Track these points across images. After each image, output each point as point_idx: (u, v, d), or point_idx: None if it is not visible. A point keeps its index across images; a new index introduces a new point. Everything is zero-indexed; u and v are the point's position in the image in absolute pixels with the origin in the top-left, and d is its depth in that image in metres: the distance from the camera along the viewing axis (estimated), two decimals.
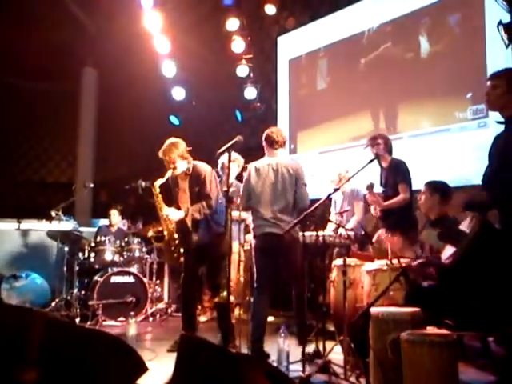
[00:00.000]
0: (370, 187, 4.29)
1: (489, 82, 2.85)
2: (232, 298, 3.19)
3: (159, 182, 4.06)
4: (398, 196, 4.25)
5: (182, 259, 4.20)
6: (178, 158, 4.01)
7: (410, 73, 5.97)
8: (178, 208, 4.16)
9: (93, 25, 8.15)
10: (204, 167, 4.12)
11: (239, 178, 5.55)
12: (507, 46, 4.04)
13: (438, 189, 3.75)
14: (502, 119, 2.86)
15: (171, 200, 4.25)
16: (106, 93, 9.03)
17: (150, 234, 4.17)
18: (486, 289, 2.97)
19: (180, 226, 4.09)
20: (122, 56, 8.17)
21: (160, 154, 4.05)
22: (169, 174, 4.04)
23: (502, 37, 3.88)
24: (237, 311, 5.81)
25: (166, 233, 4.08)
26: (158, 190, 4.06)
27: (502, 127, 2.87)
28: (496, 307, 2.83)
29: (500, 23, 3.88)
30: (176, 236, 4.09)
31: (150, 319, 5.59)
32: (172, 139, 4.14)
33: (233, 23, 7.51)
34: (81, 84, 9.38)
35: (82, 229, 6.70)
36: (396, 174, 4.34)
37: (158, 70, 7.80)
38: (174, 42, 7.60)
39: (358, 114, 6.48)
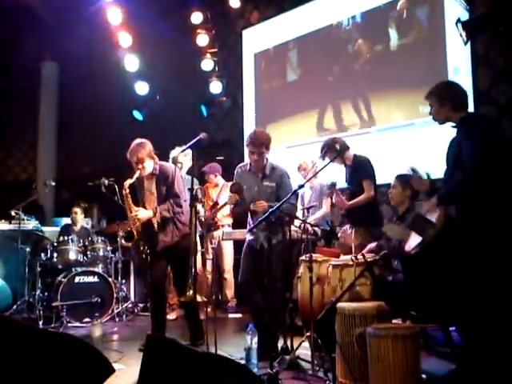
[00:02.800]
0: (333, 187, 4.31)
1: (427, 102, 3.01)
2: (198, 298, 3.14)
3: (128, 182, 4.04)
4: (363, 194, 4.28)
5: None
6: (146, 157, 4.00)
7: (379, 66, 6.03)
8: (144, 209, 4.13)
9: (50, 17, 7.90)
10: (171, 167, 4.13)
11: (191, 171, 5.51)
12: (466, 43, 4.13)
13: (409, 183, 3.81)
14: None
15: (137, 201, 4.21)
16: (66, 88, 8.81)
17: (121, 233, 4.11)
18: (446, 281, 3.05)
19: (145, 226, 4.05)
20: (83, 50, 7.97)
21: (128, 156, 4.03)
22: (137, 174, 4.02)
23: (460, 34, 3.96)
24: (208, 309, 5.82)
25: (134, 232, 4.05)
26: (127, 190, 4.04)
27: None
28: (455, 299, 2.91)
29: (458, 21, 3.96)
30: (143, 237, 4.07)
31: (117, 319, 5.49)
32: (138, 140, 4.11)
33: (197, 17, 7.44)
34: (40, 79, 9.10)
35: (44, 228, 6.53)
36: (360, 170, 4.35)
37: (121, 64, 7.65)
38: (137, 36, 7.46)
39: (327, 107, 6.53)
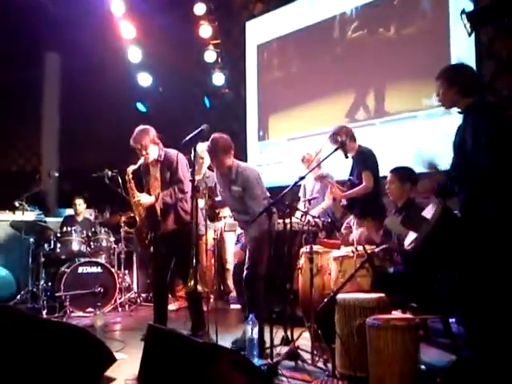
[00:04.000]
0: (323, 177, 4.32)
1: (437, 83, 2.94)
2: (200, 288, 3.16)
3: (132, 167, 4.07)
4: (361, 185, 4.26)
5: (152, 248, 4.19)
6: (150, 144, 4.01)
7: (382, 57, 6.00)
8: (149, 195, 4.14)
9: (53, 7, 7.89)
10: (175, 153, 4.11)
11: (211, 167, 5.51)
12: (470, 35, 4.10)
13: (408, 177, 3.80)
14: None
15: (142, 188, 4.24)
16: (70, 79, 8.77)
17: (123, 219, 4.14)
18: (446, 273, 3.05)
19: (149, 213, 4.08)
20: (87, 41, 7.94)
21: (131, 142, 4.03)
22: (141, 161, 4.05)
23: (464, 25, 3.94)
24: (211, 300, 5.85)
25: (137, 219, 4.08)
26: (130, 176, 4.07)
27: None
28: (455, 291, 2.92)
29: (463, 12, 3.93)
30: (146, 223, 4.09)
31: (120, 309, 5.53)
32: (141, 126, 4.11)
33: (200, 8, 7.41)
34: (44, 70, 9.09)
35: (47, 219, 6.57)
36: (361, 162, 4.33)
37: (124, 56, 7.64)
38: (140, 27, 7.45)
39: (329, 100, 6.51)
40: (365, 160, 4.31)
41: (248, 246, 3.76)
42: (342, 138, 4.15)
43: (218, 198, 4.06)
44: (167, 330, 2.98)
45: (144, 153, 3.99)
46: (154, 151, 4.05)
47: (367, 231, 3.99)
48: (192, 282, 3.05)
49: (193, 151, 3.28)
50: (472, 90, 2.87)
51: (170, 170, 4.05)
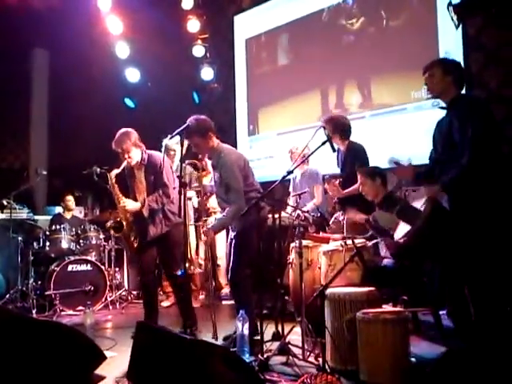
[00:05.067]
0: (329, 180, 4.29)
1: (426, 74, 2.96)
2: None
3: (115, 171, 4.03)
4: (358, 183, 4.25)
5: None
6: (132, 147, 3.97)
7: (370, 50, 5.98)
8: (135, 198, 4.12)
9: (40, 3, 7.79)
10: (159, 155, 4.08)
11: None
12: (457, 27, 4.10)
13: (376, 174, 3.83)
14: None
15: (128, 190, 4.20)
16: (58, 75, 8.69)
17: (109, 224, 4.12)
18: (436, 266, 3.06)
19: (136, 218, 4.05)
20: (74, 37, 7.86)
21: (113, 146, 3.99)
22: (124, 164, 4.01)
23: (451, 17, 3.93)
24: (201, 296, 5.84)
25: (124, 223, 4.04)
26: (113, 180, 4.04)
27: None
28: (446, 283, 2.92)
29: (450, 4, 3.92)
30: (134, 227, 4.07)
31: (110, 307, 5.51)
32: (123, 130, 4.07)
33: (188, 2, 7.33)
34: (32, 66, 8.99)
35: (36, 217, 6.51)
36: (355, 158, 4.30)
37: (112, 52, 7.56)
38: (127, 23, 7.37)
39: (318, 93, 6.49)
40: (360, 157, 4.30)
41: (232, 242, 3.69)
42: (326, 133, 4.14)
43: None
44: (156, 328, 2.96)
45: (126, 156, 3.96)
46: (136, 154, 4.01)
47: (349, 215, 4.00)
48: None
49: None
50: (463, 83, 2.94)
51: (154, 174, 4.02)
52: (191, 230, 5.47)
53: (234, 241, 3.64)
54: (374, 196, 3.87)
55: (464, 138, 2.70)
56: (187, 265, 3.14)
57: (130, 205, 4.00)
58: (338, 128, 4.30)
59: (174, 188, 3.92)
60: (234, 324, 3.62)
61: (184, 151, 5.24)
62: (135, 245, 4.09)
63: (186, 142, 5.09)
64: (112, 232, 4.15)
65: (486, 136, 2.69)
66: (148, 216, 3.98)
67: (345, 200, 4.36)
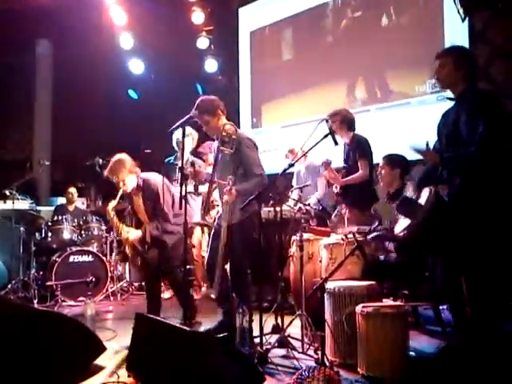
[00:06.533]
0: (327, 164, 4.28)
1: (437, 62, 2.88)
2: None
3: (112, 204, 4.04)
4: (358, 172, 4.25)
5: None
6: (128, 174, 3.94)
7: (375, 44, 5.95)
8: (138, 220, 4.11)
9: None
10: (155, 180, 4.00)
11: (194, 152, 5.47)
12: (463, 20, 4.06)
13: (398, 163, 3.80)
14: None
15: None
16: (62, 66, 8.68)
17: (116, 257, 4.12)
18: (438, 261, 3.04)
19: (139, 244, 4.06)
20: (78, 28, 7.84)
21: (107, 174, 3.96)
22: (120, 193, 3.99)
23: (458, 10, 3.89)
24: (203, 288, 5.84)
25: (128, 250, 4.09)
26: (112, 214, 4.05)
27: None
28: (445, 278, 2.91)
29: None
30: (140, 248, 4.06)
31: (111, 298, 5.51)
32: (116, 157, 4.00)
33: None
34: (35, 56, 8.98)
35: (39, 208, 6.52)
36: (357, 149, 4.33)
37: (116, 43, 7.54)
38: (132, 14, 7.34)
39: (324, 86, 6.46)
40: (362, 148, 4.31)
41: (233, 232, 3.52)
42: (336, 124, 4.13)
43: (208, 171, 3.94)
44: (155, 319, 2.96)
45: (121, 184, 3.93)
46: (131, 181, 3.97)
47: (356, 221, 3.98)
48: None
49: (181, 137, 3.23)
50: (475, 76, 2.85)
51: (151, 199, 3.97)
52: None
53: (232, 232, 3.55)
54: (388, 184, 3.85)
55: (474, 133, 2.65)
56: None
57: (132, 235, 4.01)
58: (346, 121, 4.32)
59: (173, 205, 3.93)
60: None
61: (195, 144, 5.27)
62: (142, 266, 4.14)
63: (192, 133, 5.06)
64: (119, 261, 4.16)
65: (498, 132, 2.63)
66: (151, 241, 3.97)
67: (345, 192, 4.35)
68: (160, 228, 3.92)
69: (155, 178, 4.01)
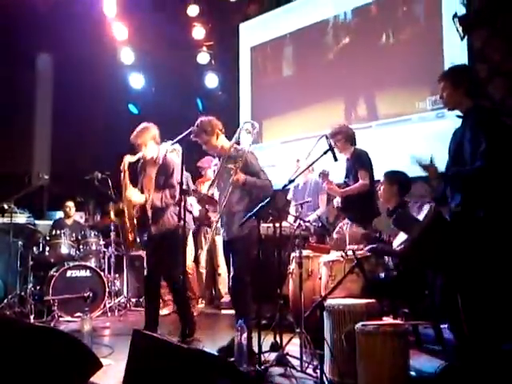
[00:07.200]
0: (325, 175, 4.29)
1: (440, 85, 2.92)
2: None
3: (129, 158, 4.01)
4: (357, 183, 4.27)
5: (134, 247, 4.17)
6: (149, 141, 4.01)
7: (375, 61, 5.99)
8: (142, 193, 4.11)
9: (45, 8, 7.84)
10: (174, 159, 4.12)
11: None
12: (462, 39, 4.09)
13: (396, 180, 3.81)
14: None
15: (135, 184, 4.19)
16: (62, 80, 8.72)
17: (111, 205, 4.06)
18: (437, 279, 3.02)
19: (140, 213, 4.06)
20: (79, 42, 7.90)
21: (131, 138, 4.03)
22: (140, 154, 4.03)
23: (457, 29, 3.92)
24: (201, 305, 5.80)
25: (126, 210, 4.03)
26: (126, 166, 4.03)
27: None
28: (445, 296, 2.88)
29: (455, 15, 3.91)
30: (135, 221, 4.06)
31: (109, 314, 5.46)
32: (144, 124, 4.12)
33: (193, 9, 7.38)
34: (35, 71, 9.03)
35: (37, 222, 6.49)
36: (356, 162, 4.38)
37: (117, 57, 7.58)
38: (132, 29, 7.40)
39: (325, 102, 6.48)
40: (361, 160, 4.36)
41: (232, 248, 3.62)
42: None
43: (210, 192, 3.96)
44: (152, 336, 2.92)
45: (143, 148, 3.99)
46: (152, 150, 4.04)
47: (357, 238, 3.97)
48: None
49: (180, 152, 3.23)
50: (476, 91, 2.88)
51: (165, 175, 4.03)
52: (189, 238, 5.45)
53: (232, 248, 3.58)
54: (386, 201, 3.87)
55: (477, 150, 2.66)
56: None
57: (135, 196, 4.01)
58: (349, 137, 4.42)
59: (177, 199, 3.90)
60: (233, 333, 3.58)
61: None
62: (131, 238, 4.05)
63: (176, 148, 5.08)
64: (112, 216, 4.10)
65: (500, 147, 2.64)
66: (152, 214, 3.98)
67: (345, 207, 4.35)
68: (163, 201, 3.93)
69: (174, 158, 4.15)
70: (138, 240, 4.10)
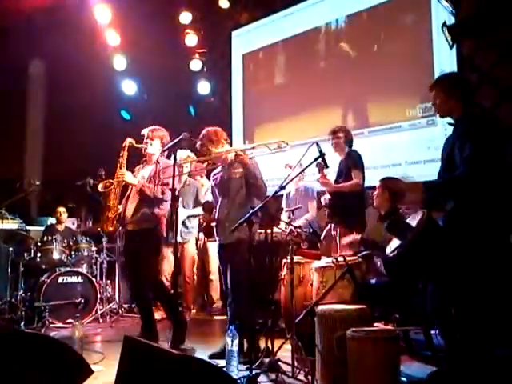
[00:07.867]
0: (322, 166, 4.29)
1: (432, 93, 2.95)
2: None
3: (132, 140, 4.08)
4: (352, 181, 4.31)
5: (110, 227, 4.15)
6: (157, 139, 4.11)
7: (366, 69, 6.02)
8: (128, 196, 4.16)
9: (38, 16, 7.83)
10: (171, 166, 4.13)
11: (191, 175, 5.50)
12: (451, 47, 4.14)
13: (386, 187, 3.85)
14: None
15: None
16: (54, 87, 8.71)
17: (101, 172, 4.28)
18: (429, 285, 3.04)
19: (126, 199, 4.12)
20: (71, 49, 7.90)
21: (146, 129, 4.18)
22: (142, 146, 4.11)
23: (446, 38, 3.97)
24: (193, 311, 5.78)
25: (114, 184, 4.05)
26: (127, 145, 4.09)
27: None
28: (436, 302, 2.91)
29: (444, 25, 3.97)
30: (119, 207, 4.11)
31: (100, 320, 5.44)
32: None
33: (186, 17, 7.42)
34: (28, 77, 9.01)
35: (28, 227, 6.46)
36: (349, 162, 4.44)
37: (109, 64, 7.59)
38: (125, 35, 7.42)
39: (317, 110, 6.50)
40: (354, 160, 4.42)
41: (227, 252, 3.67)
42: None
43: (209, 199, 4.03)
44: (144, 343, 2.92)
45: (149, 142, 4.06)
46: (155, 147, 4.09)
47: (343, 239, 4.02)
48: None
49: (172, 159, 3.25)
50: (469, 98, 2.89)
51: (160, 176, 4.08)
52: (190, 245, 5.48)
53: (226, 254, 3.63)
54: (378, 206, 3.96)
55: (461, 156, 2.68)
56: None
57: (128, 176, 4.05)
58: (349, 137, 4.52)
59: (167, 201, 3.92)
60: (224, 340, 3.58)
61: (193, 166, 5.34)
62: (110, 215, 4.06)
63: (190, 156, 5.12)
64: (100, 187, 4.10)
65: (484, 152, 2.65)
66: (137, 204, 4.01)
67: (335, 210, 4.38)
68: (152, 190, 3.97)
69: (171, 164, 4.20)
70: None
